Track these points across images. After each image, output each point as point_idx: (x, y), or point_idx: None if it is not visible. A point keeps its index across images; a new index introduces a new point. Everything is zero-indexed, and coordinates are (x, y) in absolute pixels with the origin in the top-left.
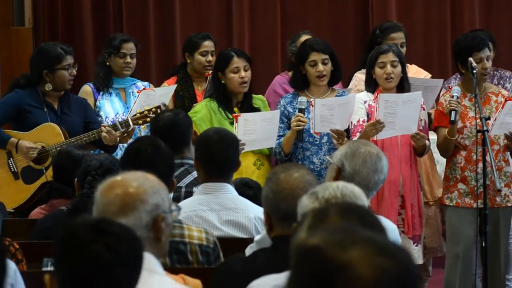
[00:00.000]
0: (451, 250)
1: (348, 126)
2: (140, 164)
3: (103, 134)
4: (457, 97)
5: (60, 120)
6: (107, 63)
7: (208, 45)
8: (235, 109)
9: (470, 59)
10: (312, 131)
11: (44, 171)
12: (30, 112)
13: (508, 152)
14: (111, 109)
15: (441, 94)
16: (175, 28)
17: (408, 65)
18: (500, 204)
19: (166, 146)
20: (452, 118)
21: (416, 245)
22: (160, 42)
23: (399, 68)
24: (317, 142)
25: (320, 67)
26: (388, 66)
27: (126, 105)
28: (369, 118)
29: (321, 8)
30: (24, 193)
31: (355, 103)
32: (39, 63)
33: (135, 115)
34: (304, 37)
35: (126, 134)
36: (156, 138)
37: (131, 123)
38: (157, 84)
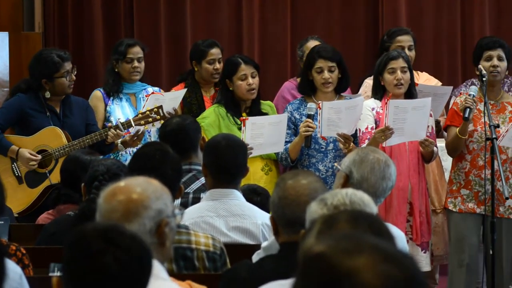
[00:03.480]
0: (454, 257)
1: (356, 132)
2: (148, 169)
3: (111, 133)
4: (474, 96)
5: (63, 123)
6: (116, 70)
7: (215, 52)
8: (243, 114)
9: (480, 66)
10: (319, 135)
11: (48, 174)
12: (33, 116)
13: None
14: (121, 114)
15: (451, 101)
16: (186, 33)
17: (419, 72)
18: (502, 214)
19: (174, 151)
20: (466, 115)
21: (424, 252)
22: (170, 47)
23: (408, 74)
24: (323, 149)
25: (326, 74)
26: (398, 72)
27: (136, 110)
28: (377, 125)
29: (331, 14)
30: (28, 197)
31: (363, 107)
32: (37, 72)
33: (137, 115)
34: (312, 42)
35: (136, 138)
36: (164, 143)
37: (133, 124)
38: (168, 89)
